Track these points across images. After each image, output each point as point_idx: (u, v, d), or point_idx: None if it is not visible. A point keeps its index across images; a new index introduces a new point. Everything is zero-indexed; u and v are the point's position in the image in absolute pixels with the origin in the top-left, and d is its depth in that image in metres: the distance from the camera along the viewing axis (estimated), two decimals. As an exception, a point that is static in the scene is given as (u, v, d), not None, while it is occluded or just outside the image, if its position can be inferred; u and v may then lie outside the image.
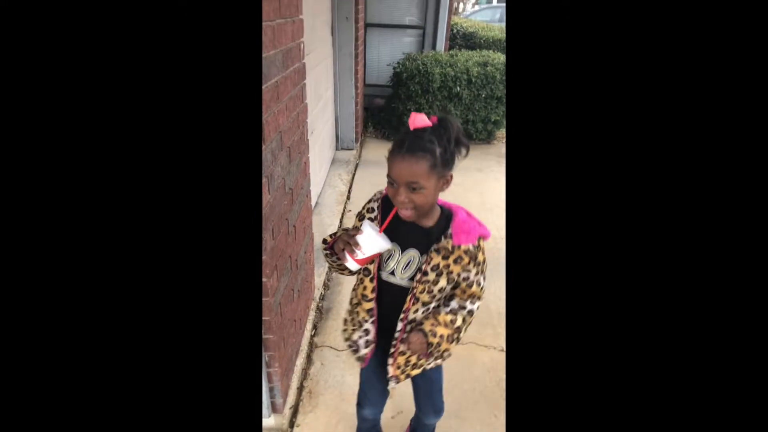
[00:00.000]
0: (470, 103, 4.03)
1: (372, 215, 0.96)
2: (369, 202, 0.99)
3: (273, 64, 1.09)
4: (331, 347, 1.79)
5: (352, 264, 0.87)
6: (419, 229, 0.92)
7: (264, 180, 1.08)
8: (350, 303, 1.07)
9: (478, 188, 3.38)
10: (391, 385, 1.05)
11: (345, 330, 1.09)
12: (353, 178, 3.43)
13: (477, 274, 0.94)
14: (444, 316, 0.94)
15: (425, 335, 0.92)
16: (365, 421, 1.25)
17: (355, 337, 1.04)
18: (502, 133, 4.60)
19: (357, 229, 0.87)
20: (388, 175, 0.85)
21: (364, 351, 1.04)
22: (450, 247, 0.90)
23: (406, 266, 0.93)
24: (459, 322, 0.94)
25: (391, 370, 1.02)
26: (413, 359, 1.02)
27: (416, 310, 0.95)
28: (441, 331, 0.92)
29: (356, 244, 0.85)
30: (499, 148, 4.36)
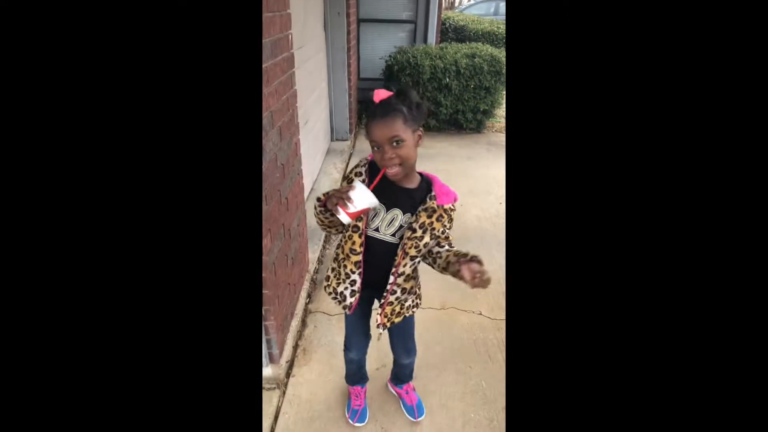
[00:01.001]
0: (459, 94, 4.18)
1: (360, 179, 1.06)
2: (356, 167, 1.11)
3: (263, 52, 1.26)
4: (323, 312, 1.97)
5: (344, 217, 0.95)
6: (402, 191, 1.06)
7: (257, 152, 1.24)
8: (335, 260, 1.19)
9: (468, 175, 3.54)
10: (380, 331, 1.20)
11: (328, 285, 1.22)
12: (347, 166, 3.59)
13: (449, 228, 1.10)
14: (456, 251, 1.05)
15: (481, 262, 0.95)
16: (352, 362, 1.42)
17: (340, 288, 1.17)
18: (491, 122, 4.75)
19: (349, 186, 0.97)
20: (372, 141, 0.97)
21: (350, 300, 1.17)
22: (435, 207, 1.05)
23: (390, 223, 1.07)
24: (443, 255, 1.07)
25: (380, 319, 1.18)
26: (397, 308, 1.19)
27: (405, 264, 1.09)
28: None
29: (348, 199, 0.94)
30: (489, 137, 4.52)
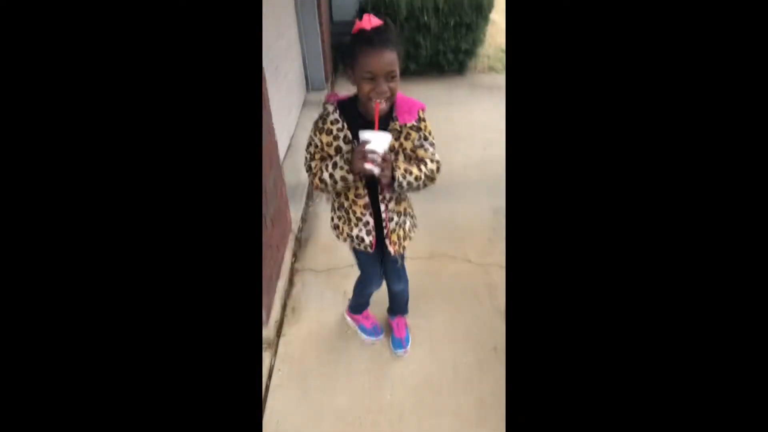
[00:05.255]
0: (439, 33, 3.96)
1: (338, 126, 1.05)
2: (324, 117, 1.06)
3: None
4: (311, 270, 1.95)
5: (376, 169, 1.00)
6: (370, 122, 1.01)
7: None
8: (339, 208, 1.22)
9: (451, 121, 3.43)
10: (398, 261, 1.29)
11: (340, 233, 1.26)
12: (326, 118, 3.44)
13: (426, 139, 1.11)
14: (417, 165, 1.11)
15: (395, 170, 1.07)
16: (366, 296, 1.53)
17: (354, 232, 1.22)
18: (474, 62, 4.55)
19: (363, 143, 0.98)
20: (367, 71, 0.93)
21: (368, 240, 1.22)
22: (399, 128, 1.06)
23: None
24: (425, 170, 1.11)
25: (392, 249, 1.24)
26: (401, 233, 1.25)
27: (386, 200, 1.15)
28: (412, 169, 1.09)
29: (373, 152, 0.97)
30: (471, 78, 4.34)
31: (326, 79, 3.82)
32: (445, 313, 1.71)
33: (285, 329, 1.66)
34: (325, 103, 1.10)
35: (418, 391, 1.42)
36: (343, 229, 1.25)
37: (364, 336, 1.60)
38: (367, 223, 1.20)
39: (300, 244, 2.11)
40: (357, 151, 0.99)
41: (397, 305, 1.56)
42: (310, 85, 3.79)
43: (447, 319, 1.69)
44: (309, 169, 1.13)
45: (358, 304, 1.59)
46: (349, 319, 1.65)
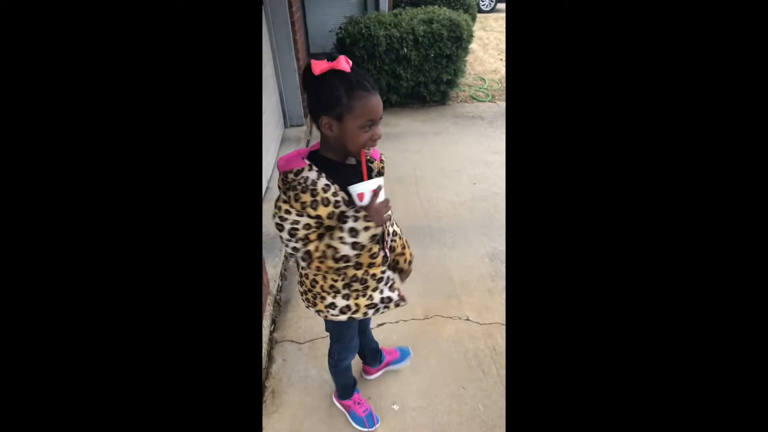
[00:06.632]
0: (420, 65, 3.87)
1: (332, 191, 0.87)
2: (311, 188, 0.85)
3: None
4: (292, 341, 1.72)
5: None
6: (353, 168, 0.94)
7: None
8: (349, 285, 1.03)
9: (437, 154, 3.30)
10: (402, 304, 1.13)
11: (355, 312, 1.07)
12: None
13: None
14: (399, 242, 1.16)
15: (407, 273, 1.22)
16: (347, 370, 1.35)
17: (377, 297, 1.07)
18: (456, 92, 4.49)
19: (375, 194, 0.89)
20: (368, 119, 0.84)
21: (396, 295, 1.10)
22: (379, 165, 1.02)
23: None
24: (400, 233, 1.18)
25: (399, 293, 1.13)
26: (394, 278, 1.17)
27: (390, 233, 1.09)
28: (407, 253, 1.20)
29: (387, 200, 0.92)
30: (454, 108, 4.26)
31: (305, 114, 3.66)
32: (447, 391, 1.51)
33: (265, 419, 1.43)
34: (289, 172, 0.87)
35: (423, 499, 1.20)
36: (360, 306, 1.05)
37: (356, 425, 1.38)
38: (389, 278, 1.09)
39: (279, 308, 1.88)
40: (377, 204, 0.89)
41: (377, 345, 1.49)
42: (288, 121, 3.62)
43: (450, 399, 1.48)
44: (308, 256, 0.88)
45: (343, 386, 1.39)
46: (338, 405, 1.43)
